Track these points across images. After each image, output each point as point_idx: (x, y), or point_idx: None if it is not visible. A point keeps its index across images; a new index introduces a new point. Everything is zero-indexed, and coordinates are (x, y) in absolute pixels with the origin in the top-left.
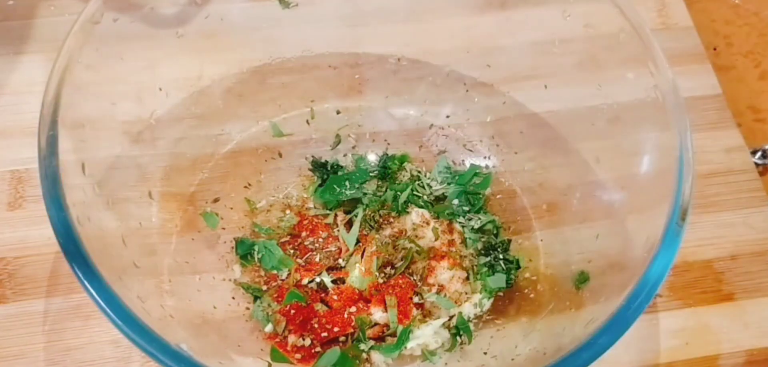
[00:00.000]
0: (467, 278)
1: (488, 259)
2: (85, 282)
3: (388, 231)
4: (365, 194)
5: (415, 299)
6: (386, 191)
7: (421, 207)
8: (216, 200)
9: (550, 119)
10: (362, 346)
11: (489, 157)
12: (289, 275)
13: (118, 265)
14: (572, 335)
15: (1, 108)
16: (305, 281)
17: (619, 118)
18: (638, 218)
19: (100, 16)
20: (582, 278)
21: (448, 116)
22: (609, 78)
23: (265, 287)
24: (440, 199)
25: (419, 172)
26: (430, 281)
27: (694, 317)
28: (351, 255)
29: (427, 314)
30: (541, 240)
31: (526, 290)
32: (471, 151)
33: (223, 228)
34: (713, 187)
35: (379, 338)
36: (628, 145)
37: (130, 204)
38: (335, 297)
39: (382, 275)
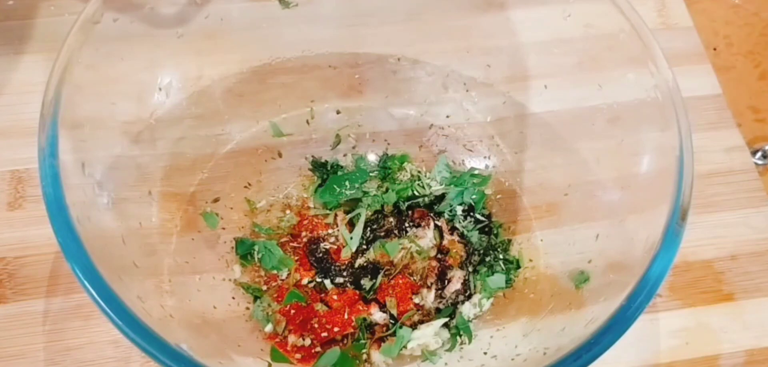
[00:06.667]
0: (467, 279)
1: (488, 259)
2: (85, 282)
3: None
4: (365, 193)
5: (416, 300)
6: (386, 191)
7: (421, 207)
8: (216, 200)
9: (550, 119)
10: (362, 347)
11: (489, 157)
12: (289, 275)
13: (118, 265)
14: (572, 335)
15: (1, 108)
16: (305, 281)
17: (619, 118)
18: (638, 218)
19: (100, 16)
20: (582, 278)
21: (448, 116)
22: (609, 78)
23: (265, 287)
24: (440, 199)
25: (419, 172)
26: (430, 281)
27: (694, 317)
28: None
29: (427, 315)
30: (541, 240)
31: (526, 290)
32: (471, 151)
33: (223, 228)
34: (713, 187)
35: (379, 338)
36: (628, 145)
37: (130, 204)
38: (335, 297)
39: (385, 273)
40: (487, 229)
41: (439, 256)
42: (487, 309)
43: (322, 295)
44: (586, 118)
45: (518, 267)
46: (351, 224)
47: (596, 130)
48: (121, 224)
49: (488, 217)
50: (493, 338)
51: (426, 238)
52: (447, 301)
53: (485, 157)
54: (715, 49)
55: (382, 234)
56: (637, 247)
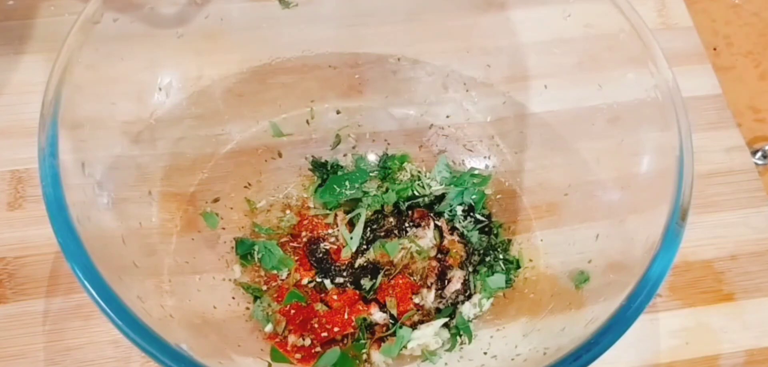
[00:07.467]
0: (467, 279)
1: (488, 259)
2: (85, 282)
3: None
4: (365, 193)
5: (416, 300)
6: (386, 191)
7: (421, 207)
8: (216, 200)
9: (550, 119)
10: (362, 347)
11: (489, 157)
12: (289, 275)
13: (118, 265)
14: (572, 335)
15: (1, 108)
16: (305, 281)
17: (619, 118)
18: (638, 218)
19: (100, 16)
20: (582, 278)
21: (448, 116)
22: (609, 78)
23: (265, 287)
24: (440, 199)
25: (419, 172)
26: (430, 281)
27: (694, 317)
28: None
29: (427, 315)
30: (541, 240)
31: (526, 290)
32: (471, 151)
33: (223, 228)
34: (713, 187)
35: (379, 338)
36: (628, 145)
37: (130, 204)
38: (335, 297)
39: (385, 273)
40: (487, 229)
41: (439, 256)
42: (487, 309)
43: (322, 295)
44: (586, 118)
45: (518, 267)
46: (351, 224)
47: (596, 130)
48: (121, 224)
49: (488, 217)
50: (493, 338)
51: (426, 238)
52: (447, 301)
53: (485, 157)
54: (715, 49)
55: (382, 234)
56: (637, 247)
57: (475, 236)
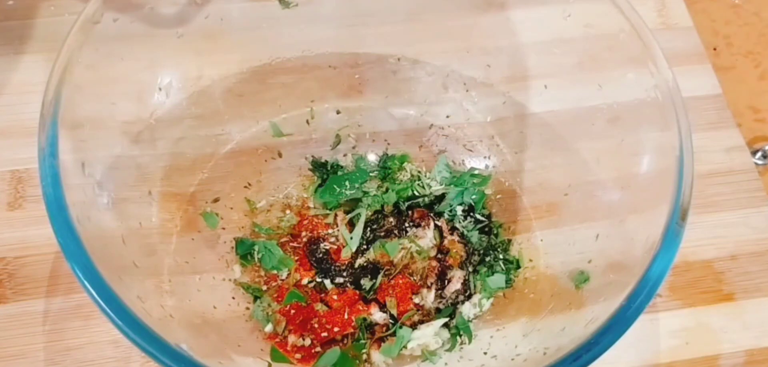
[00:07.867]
0: (467, 279)
1: (488, 259)
2: (85, 282)
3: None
4: (365, 193)
5: (416, 300)
6: (386, 191)
7: (421, 207)
8: (216, 200)
9: (550, 119)
10: (362, 347)
11: (489, 157)
12: (289, 275)
13: (118, 265)
14: (572, 335)
15: (1, 108)
16: (305, 281)
17: (619, 118)
18: (638, 218)
19: (100, 16)
20: (582, 278)
21: (448, 116)
22: (609, 78)
23: (265, 287)
24: (440, 199)
25: (419, 172)
26: (430, 281)
27: (694, 317)
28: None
29: (427, 315)
30: (541, 240)
31: (526, 290)
32: (471, 151)
33: (223, 228)
34: (713, 187)
35: (379, 338)
36: (628, 145)
37: (130, 204)
38: (335, 297)
39: (385, 273)
40: (487, 229)
41: (439, 256)
42: (487, 309)
43: (322, 295)
44: (586, 118)
45: (518, 267)
46: (351, 224)
47: (596, 130)
48: (121, 224)
49: (488, 217)
50: (493, 338)
51: (426, 238)
52: (447, 301)
53: (485, 157)
54: (715, 49)
55: (382, 234)
56: (637, 247)
57: (475, 236)
